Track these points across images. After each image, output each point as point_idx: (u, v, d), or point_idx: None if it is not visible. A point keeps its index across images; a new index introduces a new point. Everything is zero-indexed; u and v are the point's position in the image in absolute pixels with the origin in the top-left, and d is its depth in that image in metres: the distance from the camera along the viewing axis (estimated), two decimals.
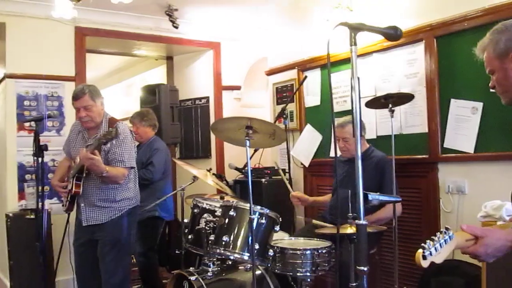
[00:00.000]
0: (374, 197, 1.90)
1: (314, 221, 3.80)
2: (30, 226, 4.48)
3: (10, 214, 4.80)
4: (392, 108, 3.58)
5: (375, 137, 4.33)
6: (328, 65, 2.19)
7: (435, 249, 1.56)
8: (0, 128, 5.58)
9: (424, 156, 3.96)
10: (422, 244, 1.55)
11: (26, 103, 5.23)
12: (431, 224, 3.86)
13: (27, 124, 5.10)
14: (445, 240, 1.59)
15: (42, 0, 5.09)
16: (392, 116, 3.59)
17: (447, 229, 1.61)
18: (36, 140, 3.62)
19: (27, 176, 5.17)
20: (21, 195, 5.12)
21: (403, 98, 3.73)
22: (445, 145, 3.80)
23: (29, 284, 4.50)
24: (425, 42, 3.92)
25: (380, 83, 4.32)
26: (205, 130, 6.49)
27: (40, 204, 3.67)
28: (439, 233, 1.60)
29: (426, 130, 3.94)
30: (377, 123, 4.35)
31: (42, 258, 3.81)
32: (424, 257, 1.54)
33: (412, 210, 3.99)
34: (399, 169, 3.61)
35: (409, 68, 4.08)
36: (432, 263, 1.57)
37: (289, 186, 4.28)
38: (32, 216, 4.58)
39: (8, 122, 5.17)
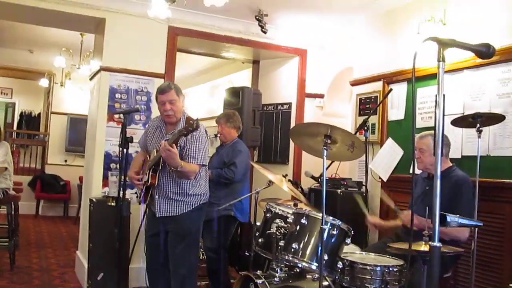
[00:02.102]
0: (453, 219, 1.84)
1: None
2: (111, 212, 4.71)
3: (94, 200, 5.05)
4: (480, 128, 3.43)
5: (459, 156, 4.15)
6: (412, 79, 2.13)
7: None
8: (92, 116, 5.90)
9: (511, 180, 3.75)
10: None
11: (117, 95, 5.50)
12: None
13: (116, 115, 5.36)
14: None
15: None
16: (479, 137, 3.43)
17: None
18: (123, 131, 3.78)
19: (112, 165, 5.43)
20: (105, 182, 5.37)
21: (493, 119, 3.56)
22: None
23: (105, 267, 4.70)
24: None
25: (470, 101, 4.14)
26: (285, 135, 6.51)
27: (121, 193, 3.83)
28: None
29: None
30: (463, 142, 4.17)
31: (119, 245, 3.98)
32: None
33: (494, 236, 3.78)
34: (482, 192, 3.45)
35: (502, 88, 3.88)
36: None
37: (365, 210, 4.14)
38: (113, 204, 4.80)
39: (100, 112, 5.46)
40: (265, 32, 5.77)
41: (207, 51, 6.90)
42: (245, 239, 5.32)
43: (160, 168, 3.71)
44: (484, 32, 4.00)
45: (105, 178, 5.39)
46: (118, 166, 5.31)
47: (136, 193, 4.14)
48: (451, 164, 3.75)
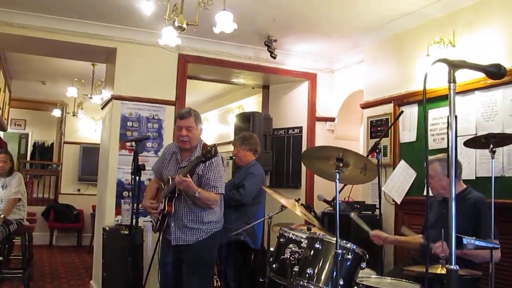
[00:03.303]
0: (469, 241, 1.81)
1: (404, 228, 3.64)
2: (124, 241, 4.70)
3: (107, 228, 5.05)
4: (494, 149, 3.39)
5: (474, 178, 4.11)
6: (424, 101, 2.12)
7: None
8: (104, 145, 5.94)
9: None
10: None
11: (129, 123, 5.55)
12: None
13: (128, 143, 5.39)
14: None
15: (150, 28, 5.43)
16: (493, 157, 3.39)
17: None
18: (135, 159, 3.80)
19: (125, 193, 5.45)
20: (118, 210, 5.39)
21: (506, 139, 3.52)
22: None
23: None
24: None
25: (482, 121, 4.12)
26: (297, 159, 6.50)
27: (134, 221, 3.82)
28: None
29: None
30: (476, 163, 4.13)
31: (132, 273, 3.96)
32: None
33: None
34: (499, 213, 3.39)
35: None
36: None
37: (365, 227, 4.09)
38: (126, 232, 4.80)
39: (112, 140, 5.50)
40: (274, 57, 5.82)
41: (217, 77, 6.96)
42: (259, 264, 5.26)
43: (176, 195, 3.70)
44: (494, 53, 4.00)
45: (118, 206, 5.41)
46: (130, 194, 5.32)
47: (151, 221, 4.12)
48: (465, 186, 3.70)
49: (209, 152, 3.40)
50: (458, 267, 1.64)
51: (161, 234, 3.96)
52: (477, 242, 1.91)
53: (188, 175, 3.49)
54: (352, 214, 4.20)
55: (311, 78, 6.57)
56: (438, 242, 3.70)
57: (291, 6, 4.85)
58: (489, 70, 1.75)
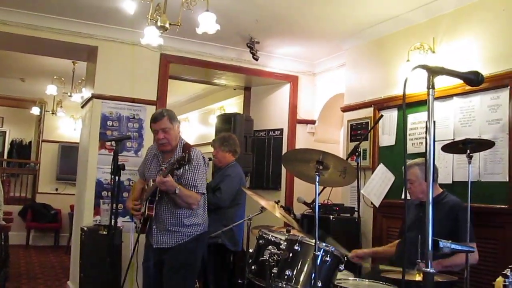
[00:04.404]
0: (445, 244, 1.83)
1: (381, 267, 3.67)
2: (103, 241, 4.66)
3: (85, 228, 5.01)
4: (471, 154, 3.45)
5: (451, 182, 4.17)
6: (403, 106, 2.16)
7: None
8: (84, 144, 5.89)
9: (503, 206, 3.76)
10: (504, 273, 1.45)
11: (109, 123, 5.51)
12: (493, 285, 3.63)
13: (108, 143, 5.35)
14: None
15: (132, 28, 5.40)
16: (470, 162, 3.45)
17: None
18: (115, 159, 3.77)
19: (104, 193, 5.40)
20: (97, 210, 5.34)
21: (483, 145, 3.59)
22: None
23: None
24: (510, 88, 3.77)
25: (460, 127, 4.18)
26: (277, 161, 6.52)
27: (113, 221, 3.79)
28: None
29: (507, 179, 3.75)
30: (454, 168, 4.19)
31: (111, 274, 3.93)
32: (506, 287, 1.45)
33: (488, 262, 3.77)
34: (475, 218, 3.45)
35: (491, 114, 3.93)
36: None
37: (344, 250, 4.04)
38: (105, 232, 4.76)
39: (92, 139, 5.46)
40: (256, 59, 5.83)
41: (199, 78, 6.95)
42: (238, 266, 5.26)
43: (157, 199, 3.69)
44: (473, 60, 4.07)
45: (97, 206, 5.36)
46: (110, 194, 5.28)
47: (134, 222, 4.10)
48: (441, 190, 3.76)
49: (182, 159, 3.36)
50: (434, 270, 1.66)
51: (138, 235, 3.94)
52: (453, 246, 1.93)
53: (169, 175, 3.48)
54: (328, 239, 4.21)
55: (293, 80, 6.60)
56: (352, 252, 3.85)
57: (274, 9, 4.87)
58: (467, 77, 1.78)
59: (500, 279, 1.44)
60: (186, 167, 3.59)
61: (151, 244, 3.78)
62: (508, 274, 1.44)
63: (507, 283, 1.43)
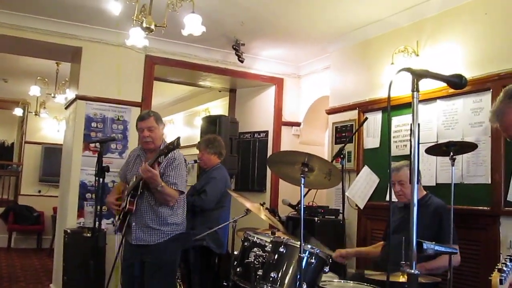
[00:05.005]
0: (429, 246, 1.84)
1: (366, 272, 3.67)
2: (86, 244, 4.63)
3: (68, 231, 4.96)
4: (454, 156, 3.48)
5: (434, 184, 4.21)
6: (388, 108, 2.16)
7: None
8: (67, 145, 5.84)
9: (485, 208, 3.80)
10: (499, 266, 1.45)
11: (93, 124, 5.47)
12: (489, 280, 3.67)
13: (92, 144, 5.32)
14: None
15: (117, 29, 5.37)
16: (453, 165, 3.49)
17: None
18: (99, 160, 3.76)
19: (88, 195, 5.36)
20: (81, 212, 5.30)
21: (466, 147, 3.63)
22: (508, 198, 3.64)
23: None
24: (492, 92, 3.82)
25: (443, 129, 4.23)
26: (262, 163, 6.53)
27: (97, 223, 3.77)
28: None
29: (489, 182, 3.80)
30: (437, 170, 4.23)
31: (94, 276, 3.90)
32: (501, 281, 1.45)
33: (470, 263, 3.81)
34: (457, 219, 3.49)
35: (474, 117, 3.98)
36: None
37: (327, 250, 4.05)
38: (89, 235, 4.72)
39: (76, 141, 5.41)
40: (242, 61, 5.83)
41: (184, 79, 6.94)
42: (222, 268, 5.25)
43: (138, 193, 3.69)
44: (456, 63, 4.12)
45: (81, 208, 5.32)
46: (94, 196, 5.24)
47: (112, 221, 4.09)
48: (425, 192, 3.79)
49: (171, 144, 3.44)
50: (418, 272, 1.67)
51: (123, 236, 3.93)
52: (436, 247, 1.95)
53: (155, 165, 3.53)
54: (311, 240, 4.22)
55: (278, 82, 6.62)
56: (336, 252, 3.88)
57: (260, 11, 4.88)
58: (451, 80, 1.80)
59: (496, 274, 1.44)
60: (168, 164, 3.70)
61: (130, 242, 3.79)
62: (507, 263, 1.43)
63: (503, 277, 1.44)
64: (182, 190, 3.83)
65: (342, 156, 4.72)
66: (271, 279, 3.20)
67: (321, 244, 4.06)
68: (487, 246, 3.78)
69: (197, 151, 5.13)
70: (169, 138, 4.03)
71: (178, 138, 3.47)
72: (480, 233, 3.83)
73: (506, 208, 3.65)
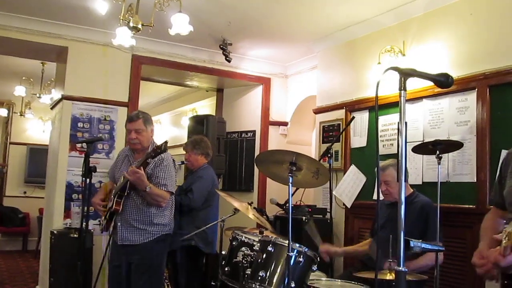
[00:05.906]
0: (416, 244, 1.86)
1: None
2: (73, 245, 4.59)
3: (55, 232, 4.92)
4: (440, 155, 3.52)
5: (420, 183, 4.24)
6: (376, 108, 2.17)
7: None
8: (54, 146, 5.79)
9: (471, 206, 3.85)
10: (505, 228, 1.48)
11: (80, 124, 5.44)
12: (475, 277, 3.72)
13: (79, 145, 5.28)
14: None
15: (104, 28, 5.34)
16: (439, 163, 3.52)
17: None
18: (86, 161, 3.73)
19: (74, 196, 5.33)
20: (67, 213, 5.26)
21: (452, 146, 3.66)
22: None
23: None
24: (477, 91, 3.86)
25: (429, 128, 4.26)
26: (250, 163, 6.53)
27: (84, 224, 3.75)
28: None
29: (475, 180, 3.84)
30: (423, 169, 4.27)
31: (81, 278, 3.88)
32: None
33: (456, 261, 3.85)
34: (443, 217, 3.52)
35: (460, 116, 4.02)
36: None
37: (316, 239, 4.05)
38: (76, 235, 4.69)
39: (62, 141, 5.37)
40: (229, 61, 5.83)
41: (171, 79, 6.92)
42: (210, 268, 5.24)
43: (125, 194, 3.68)
44: (442, 63, 4.15)
45: (67, 209, 5.28)
46: (80, 196, 5.20)
47: (99, 221, 4.07)
48: (412, 190, 3.82)
49: (159, 148, 3.44)
50: (406, 269, 1.69)
51: (111, 236, 3.92)
52: (423, 245, 1.96)
53: (141, 167, 3.51)
54: (308, 224, 4.24)
55: (265, 82, 6.63)
56: (323, 246, 3.93)
57: (247, 11, 4.88)
58: (437, 79, 1.81)
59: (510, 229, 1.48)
60: (157, 165, 3.69)
61: (116, 242, 3.77)
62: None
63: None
64: (172, 191, 3.82)
65: (329, 155, 4.74)
66: (259, 278, 3.20)
67: (316, 232, 4.09)
68: (473, 244, 3.79)
69: (183, 152, 5.12)
70: (156, 138, 4.01)
71: (166, 142, 3.47)
72: (465, 231, 3.87)
73: (491, 206, 3.68)
